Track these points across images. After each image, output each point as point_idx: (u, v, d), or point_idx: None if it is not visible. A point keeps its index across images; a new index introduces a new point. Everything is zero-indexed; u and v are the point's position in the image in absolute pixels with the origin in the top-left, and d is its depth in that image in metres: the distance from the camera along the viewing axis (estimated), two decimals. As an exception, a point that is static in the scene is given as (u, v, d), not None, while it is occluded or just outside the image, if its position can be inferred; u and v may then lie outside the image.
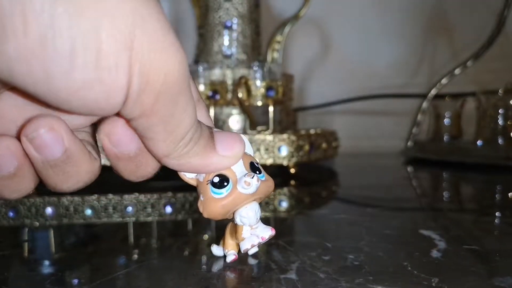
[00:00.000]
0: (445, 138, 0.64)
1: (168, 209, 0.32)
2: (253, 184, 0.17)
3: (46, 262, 0.21)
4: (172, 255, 0.21)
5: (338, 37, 0.78)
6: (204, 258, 0.21)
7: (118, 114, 0.13)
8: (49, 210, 0.32)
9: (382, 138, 0.76)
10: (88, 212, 0.31)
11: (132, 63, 0.11)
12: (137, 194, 0.35)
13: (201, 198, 0.17)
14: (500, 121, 0.56)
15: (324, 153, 0.49)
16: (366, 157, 0.70)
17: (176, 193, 0.36)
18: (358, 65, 0.78)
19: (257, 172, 0.18)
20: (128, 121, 0.13)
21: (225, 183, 0.17)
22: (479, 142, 0.57)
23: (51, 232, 0.27)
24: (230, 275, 0.18)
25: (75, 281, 0.18)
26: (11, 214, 0.31)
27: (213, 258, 0.20)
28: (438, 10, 0.77)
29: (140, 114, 0.13)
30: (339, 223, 0.28)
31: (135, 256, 0.22)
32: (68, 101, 0.12)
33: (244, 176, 0.17)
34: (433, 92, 0.65)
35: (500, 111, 0.56)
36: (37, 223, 0.29)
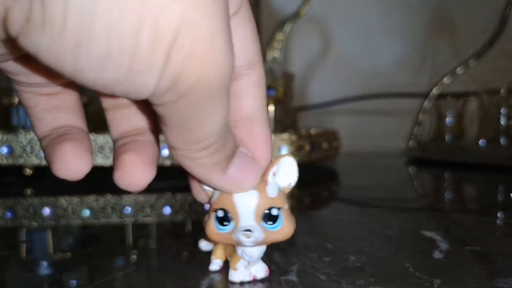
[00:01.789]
0: (447, 138, 0.63)
1: (167, 210, 0.32)
2: (246, 243, 0.16)
3: (44, 263, 0.21)
4: (171, 256, 0.21)
5: (339, 36, 0.77)
6: (203, 259, 0.20)
7: None
8: (46, 210, 0.31)
9: (384, 138, 0.76)
10: (86, 212, 0.31)
11: (166, 66, 0.11)
12: (135, 194, 0.35)
13: (206, 218, 0.17)
14: (503, 121, 0.56)
15: (325, 153, 0.49)
16: (367, 157, 0.70)
17: (175, 193, 0.36)
18: (359, 64, 0.78)
19: (270, 222, 0.16)
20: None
21: (225, 223, 0.16)
22: (481, 142, 0.57)
23: (49, 233, 0.27)
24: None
25: (73, 282, 0.18)
26: (8, 214, 0.31)
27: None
28: (440, 8, 0.77)
29: (161, 104, 0.12)
30: (340, 224, 0.28)
31: (134, 257, 0.21)
32: (95, 88, 0.11)
33: (242, 231, 0.15)
34: (435, 91, 0.64)
35: (503, 110, 0.56)
36: (35, 224, 0.29)
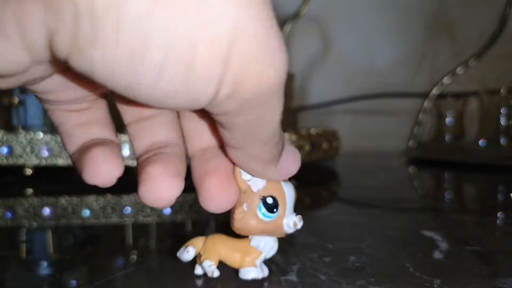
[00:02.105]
0: (447, 138, 0.63)
1: (167, 210, 0.32)
2: (299, 227, 0.16)
3: (44, 263, 0.21)
4: (171, 257, 0.21)
5: (339, 36, 0.77)
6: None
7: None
8: (47, 210, 0.31)
9: (384, 138, 0.76)
10: (86, 213, 0.31)
11: (225, 75, 0.11)
12: (135, 194, 0.35)
13: (245, 207, 0.16)
14: (503, 121, 0.56)
15: (325, 153, 0.49)
16: (367, 157, 0.70)
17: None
18: (359, 64, 0.78)
19: (296, 213, 0.17)
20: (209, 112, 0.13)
21: (275, 210, 0.16)
22: (481, 142, 0.57)
23: (49, 233, 0.27)
24: (230, 276, 0.18)
25: (73, 282, 0.18)
26: (8, 214, 0.31)
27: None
28: (440, 8, 0.77)
29: (222, 113, 0.12)
30: (340, 224, 0.28)
31: (134, 257, 0.21)
32: (146, 102, 0.11)
33: (295, 215, 0.16)
34: (435, 91, 0.64)
35: (503, 110, 0.56)
36: (35, 224, 0.29)
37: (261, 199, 0.16)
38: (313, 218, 0.31)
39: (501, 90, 0.56)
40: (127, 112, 0.16)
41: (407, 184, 0.48)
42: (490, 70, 0.65)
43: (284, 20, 0.56)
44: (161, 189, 0.14)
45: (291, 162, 0.15)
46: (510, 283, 0.17)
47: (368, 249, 0.21)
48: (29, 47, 0.10)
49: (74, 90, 0.14)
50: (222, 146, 0.16)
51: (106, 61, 0.10)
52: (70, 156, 0.15)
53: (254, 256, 0.17)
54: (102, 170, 0.14)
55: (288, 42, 0.57)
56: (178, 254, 0.18)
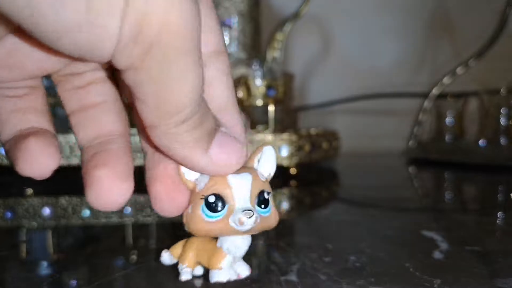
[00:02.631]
0: (447, 138, 0.63)
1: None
2: (247, 224, 0.15)
3: (44, 264, 0.21)
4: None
5: (339, 36, 0.77)
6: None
7: (110, 62, 0.12)
8: (46, 210, 0.31)
9: (384, 138, 0.76)
10: (86, 213, 0.31)
11: (127, 8, 0.10)
12: (135, 194, 0.35)
13: (189, 210, 0.15)
14: (503, 121, 0.56)
15: (325, 153, 0.49)
16: (367, 157, 0.70)
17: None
18: (359, 64, 0.78)
19: (263, 206, 0.15)
20: (120, 73, 0.12)
21: (219, 208, 0.15)
22: (481, 142, 0.57)
23: (49, 233, 0.27)
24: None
25: (73, 282, 0.18)
26: (8, 214, 0.31)
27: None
28: (440, 8, 0.77)
29: (129, 65, 0.11)
30: (340, 224, 0.28)
31: (134, 258, 0.21)
32: (57, 42, 0.11)
33: (242, 211, 0.14)
34: (435, 91, 0.64)
35: (503, 110, 0.56)
36: (34, 224, 0.29)
37: (202, 198, 0.15)
38: (313, 218, 0.31)
39: (501, 90, 0.56)
40: (70, 99, 0.15)
41: (407, 184, 0.48)
42: (490, 70, 0.65)
43: (284, 20, 0.56)
44: (111, 195, 0.14)
45: (227, 150, 0.14)
46: (510, 283, 0.17)
47: (368, 249, 0.21)
48: None
49: (8, 69, 0.14)
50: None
51: None
52: (3, 144, 0.15)
53: (219, 258, 0.16)
54: (38, 162, 0.13)
55: (288, 42, 0.57)
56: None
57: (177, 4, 0.11)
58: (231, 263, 0.16)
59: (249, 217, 0.14)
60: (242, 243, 0.16)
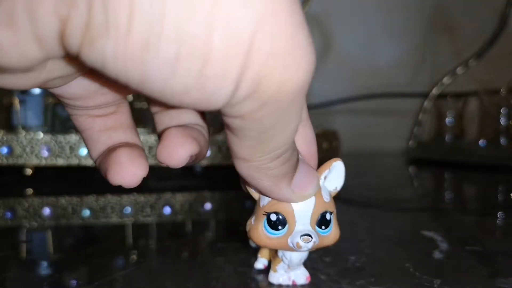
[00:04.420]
0: (447, 138, 0.63)
1: (167, 210, 0.32)
2: (304, 248, 0.15)
3: (44, 263, 0.21)
4: (171, 257, 0.21)
5: (339, 36, 0.77)
6: (203, 260, 0.20)
7: None
8: (46, 210, 0.31)
9: (384, 138, 0.76)
10: (86, 213, 0.31)
11: (245, 70, 0.10)
12: (135, 194, 0.35)
13: (252, 221, 0.16)
14: (503, 121, 0.56)
15: (325, 153, 0.49)
16: (367, 157, 0.70)
17: (175, 193, 0.36)
18: (359, 64, 0.78)
19: (323, 227, 0.15)
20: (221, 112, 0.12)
21: (279, 227, 0.15)
22: (481, 142, 0.57)
23: (49, 233, 0.27)
24: (230, 277, 0.18)
25: (73, 282, 0.18)
26: (8, 214, 0.31)
27: (212, 259, 0.20)
28: (440, 8, 0.77)
29: (239, 116, 0.11)
30: (340, 224, 0.28)
31: (134, 258, 0.21)
32: (162, 100, 0.11)
33: (301, 236, 0.15)
34: (435, 91, 0.64)
35: (503, 110, 0.56)
36: (35, 224, 0.29)
37: (265, 215, 0.15)
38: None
39: (501, 90, 0.56)
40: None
41: (407, 184, 0.48)
42: (490, 70, 0.65)
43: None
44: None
45: (307, 181, 0.14)
46: (510, 283, 0.17)
47: (368, 249, 0.21)
48: (40, 38, 0.10)
49: (101, 95, 0.14)
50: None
51: (118, 53, 0.09)
52: (94, 161, 0.15)
53: (275, 262, 0.17)
54: (127, 170, 0.14)
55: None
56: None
57: (294, 64, 0.10)
58: (285, 269, 0.17)
59: (307, 242, 0.15)
60: (292, 256, 0.16)
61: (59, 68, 0.12)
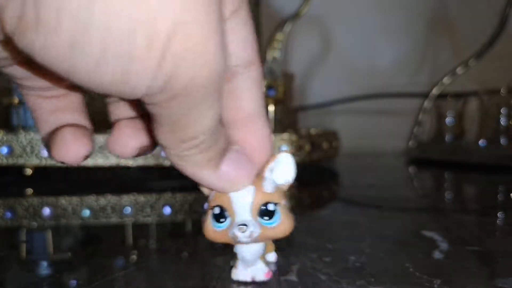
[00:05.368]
0: (447, 138, 0.63)
1: (167, 210, 0.32)
2: (241, 238, 0.15)
3: (44, 263, 0.21)
4: (171, 257, 0.21)
5: (339, 36, 0.77)
6: (203, 260, 0.20)
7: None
8: (46, 210, 0.31)
9: (384, 138, 0.76)
10: (86, 213, 0.31)
11: (160, 68, 0.11)
12: (135, 194, 0.35)
13: (204, 217, 0.16)
14: (503, 121, 0.56)
15: (325, 153, 0.49)
16: (367, 157, 0.70)
17: (175, 193, 0.36)
18: (359, 64, 0.78)
19: (266, 217, 0.15)
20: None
21: (222, 220, 0.15)
22: (481, 142, 0.57)
23: (49, 233, 0.27)
24: (230, 277, 0.18)
25: (73, 282, 0.18)
26: (8, 214, 0.31)
27: (212, 259, 0.20)
28: (440, 8, 0.77)
29: (153, 103, 0.12)
30: (340, 224, 0.28)
31: (134, 258, 0.21)
32: (89, 87, 0.11)
33: (237, 226, 0.15)
34: (435, 91, 0.64)
35: (503, 110, 0.56)
36: (35, 224, 0.29)
37: (211, 209, 0.16)
38: (313, 218, 0.31)
39: (501, 90, 0.56)
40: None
41: (407, 184, 0.48)
42: (490, 70, 0.65)
43: (284, 20, 0.56)
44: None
45: (235, 170, 0.15)
46: (510, 283, 0.17)
47: (368, 249, 0.21)
48: None
49: (45, 78, 0.15)
50: None
51: (47, 47, 0.10)
52: (42, 139, 0.16)
53: (235, 258, 0.17)
54: (70, 147, 0.15)
55: (288, 42, 0.57)
56: None
57: (205, 61, 0.11)
58: (244, 266, 0.17)
59: (243, 232, 0.15)
60: (244, 251, 0.16)
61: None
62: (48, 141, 0.15)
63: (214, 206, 0.16)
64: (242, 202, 0.15)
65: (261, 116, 0.16)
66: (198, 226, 0.28)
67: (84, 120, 0.16)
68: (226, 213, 0.15)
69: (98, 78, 0.11)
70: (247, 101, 0.16)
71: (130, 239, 0.25)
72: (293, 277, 0.18)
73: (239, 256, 0.17)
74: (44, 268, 0.20)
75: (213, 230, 0.16)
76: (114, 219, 0.30)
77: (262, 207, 0.15)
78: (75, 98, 0.16)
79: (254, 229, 0.15)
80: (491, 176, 0.48)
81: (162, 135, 0.13)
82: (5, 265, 0.21)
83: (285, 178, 0.16)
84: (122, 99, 0.17)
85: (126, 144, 0.15)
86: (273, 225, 0.16)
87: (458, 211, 0.33)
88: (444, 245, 0.22)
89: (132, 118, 0.16)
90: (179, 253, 0.22)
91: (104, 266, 0.20)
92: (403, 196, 0.39)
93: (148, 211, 0.32)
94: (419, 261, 0.19)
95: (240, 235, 0.15)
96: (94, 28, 0.10)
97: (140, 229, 0.27)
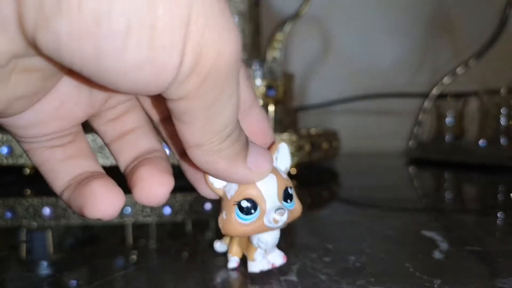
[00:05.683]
0: (447, 138, 0.63)
1: (167, 210, 0.32)
2: (281, 221, 0.16)
3: (44, 263, 0.21)
4: (171, 257, 0.21)
5: (339, 36, 0.77)
6: (203, 260, 0.20)
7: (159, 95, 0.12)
8: (46, 210, 0.31)
9: (384, 138, 0.76)
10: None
11: (187, 41, 0.11)
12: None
13: (224, 216, 0.16)
14: (503, 121, 0.56)
15: (325, 153, 0.49)
16: (367, 157, 0.70)
17: (175, 193, 0.36)
18: (359, 64, 0.78)
19: (289, 200, 0.17)
20: (167, 101, 0.13)
21: (252, 211, 0.16)
22: (481, 142, 0.57)
23: (49, 233, 0.27)
24: (230, 277, 0.18)
25: (73, 282, 0.18)
26: (8, 214, 0.31)
27: (212, 259, 0.20)
28: (440, 8, 0.77)
29: (184, 96, 0.12)
30: (340, 224, 0.28)
31: (134, 258, 0.21)
32: (116, 82, 0.11)
33: (275, 211, 0.16)
34: (435, 91, 0.64)
35: (503, 110, 0.56)
36: (35, 224, 0.29)
37: (235, 204, 0.16)
38: (313, 218, 0.31)
39: (501, 90, 0.56)
40: (106, 131, 0.16)
41: (407, 184, 0.48)
42: (490, 70, 0.65)
43: (284, 20, 0.56)
44: (154, 187, 0.14)
45: (261, 159, 0.15)
46: (510, 283, 0.17)
47: (368, 249, 0.21)
48: (2, 25, 0.10)
49: (56, 119, 0.14)
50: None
51: (72, 29, 0.10)
52: (60, 195, 0.15)
53: (252, 251, 0.18)
54: (105, 203, 0.14)
55: (288, 42, 0.57)
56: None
57: (226, 35, 0.11)
58: (263, 255, 0.18)
59: (283, 215, 0.16)
60: (268, 238, 0.17)
61: (24, 83, 0.12)
62: (72, 199, 0.14)
63: (241, 200, 0.16)
64: (271, 189, 0.16)
65: (258, 106, 0.17)
66: (198, 226, 0.28)
67: (97, 165, 0.16)
68: (255, 205, 0.16)
69: (125, 59, 0.10)
70: (245, 93, 0.16)
71: (130, 239, 0.25)
72: (293, 277, 0.18)
73: (262, 245, 0.17)
74: (44, 268, 0.20)
75: (241, 224, 0.16)
76: (114, 219, 0.30)
77: (285, 192, 0.17)
78: (83, 145, 0.16)
79: (287, 211, 0.16)
80: (491, 176, 0.48)
81: (197, 133, 0.13)
82: (5, 265, 0.21)
83: (285, 165, 0.18)
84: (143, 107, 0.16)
85: (158, 194, 0.15)
86: (293, 207, 0.17)
87: (458, 211, 0.33)
88: (444, 245, 0.22)
89: (145, 158, 0.16)
90: (179, 253, 0.22)
91: (104, 266, 0.20)
92: (403, 196, 0.39)
93: (148, 211, 0.32)
94: (419, 261, 0.19)
95: (280, 218, 0.16)
96: (116, 0, 0.10)
97: (140, 229, 0.27)
